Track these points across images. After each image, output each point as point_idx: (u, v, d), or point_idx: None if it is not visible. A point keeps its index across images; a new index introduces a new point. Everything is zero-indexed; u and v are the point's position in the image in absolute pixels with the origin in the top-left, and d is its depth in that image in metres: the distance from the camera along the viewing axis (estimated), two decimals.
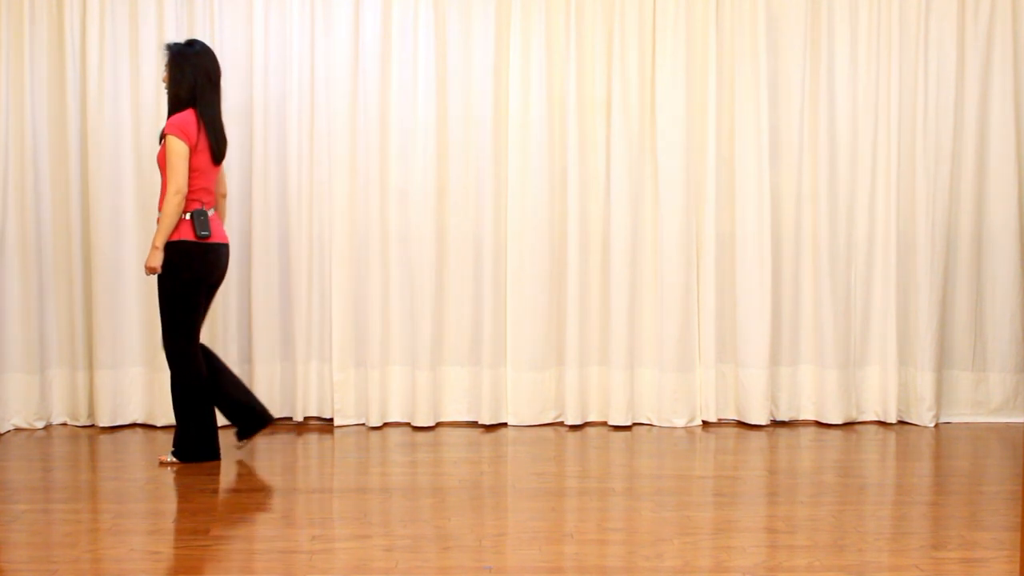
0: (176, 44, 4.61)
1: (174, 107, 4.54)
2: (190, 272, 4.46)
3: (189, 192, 4.46)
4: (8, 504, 3.95)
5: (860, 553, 3.41)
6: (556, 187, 5.41)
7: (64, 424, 5.35)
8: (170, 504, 4.01)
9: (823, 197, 5.42)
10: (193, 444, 4.57)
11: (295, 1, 5.31)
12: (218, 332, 5.26)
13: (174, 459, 4.56)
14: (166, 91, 4.60)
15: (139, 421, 5.33)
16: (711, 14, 5.36)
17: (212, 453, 4.60)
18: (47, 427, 5.29)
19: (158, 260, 4.42)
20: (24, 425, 5.25)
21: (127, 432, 5.24)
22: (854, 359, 5.48)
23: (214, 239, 4.52)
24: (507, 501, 4.10)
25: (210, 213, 4.54)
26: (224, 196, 4.83)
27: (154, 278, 4.73)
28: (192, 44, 4.60)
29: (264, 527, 3.72)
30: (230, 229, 5.28)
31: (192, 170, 4.46)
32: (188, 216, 4.46)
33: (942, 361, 5.50)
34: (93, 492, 4.24)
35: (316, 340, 5.38)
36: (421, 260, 5.34)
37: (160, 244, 4.43)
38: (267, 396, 5.33)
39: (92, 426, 5.30)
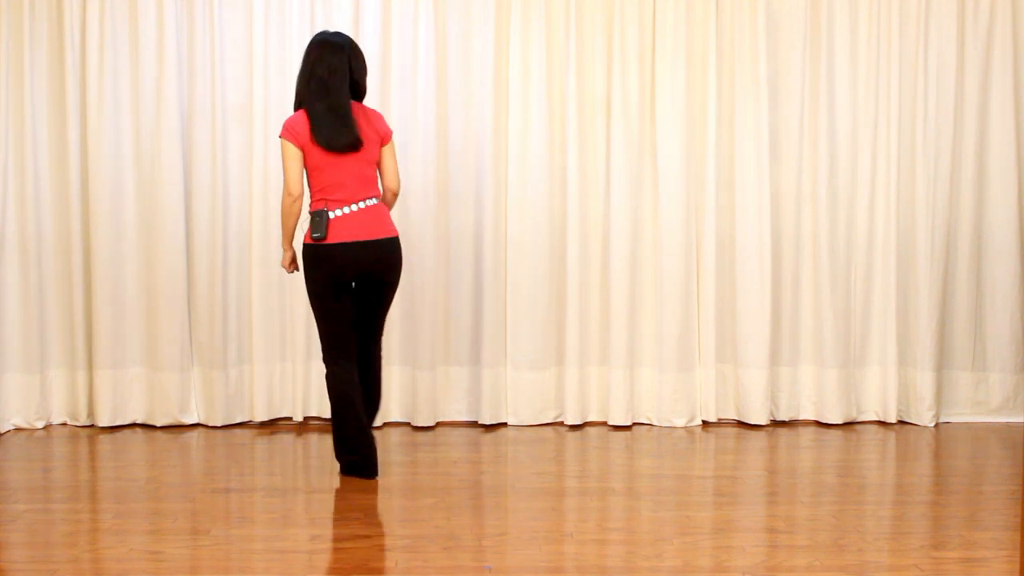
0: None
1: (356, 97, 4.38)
2: (310, 276, 4.30)
3: (312, 191, 4.31)
4: (8, 504, 3.96)
5: (860, 553, 3.41)
6: (556, 187, 5.41)
7: (64, 424, 5.34)
8: (170, 504, 4.01)
9: (823, 197, 5.42)
10: (339, 454, 4.46)
11: (295, 1, 5.31)
12: (217, 331, 5.26)
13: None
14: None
15: (139, 421, 5.32)
16: (711, 14, 5.36)
17: (351, 467, 4.41)
18: (47, 427, 5.29)
19: (284, 260, 4.42)
20: (24, 425, 5.25)
21: (127, 432, 5.23)
22: (854, 359, 5.47)
23: (332, 239, 4.20)
24: (507, 501, 4.10)
25: (339, 212, 4.23)
26: (390, 190, 4.42)
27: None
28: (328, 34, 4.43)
29: (264, 527, 3.72)
30: (229, 228, 5.29)
31: (310, 169, 4.28)
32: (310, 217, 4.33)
33: (942, 361, 5.49)
34: (93, 492, 4.24)
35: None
36: (421, 260, 5.33)
37: (282, 245, 4.42)
38: (267, 396, 5.34)
39: (92, 426, 5.29)
